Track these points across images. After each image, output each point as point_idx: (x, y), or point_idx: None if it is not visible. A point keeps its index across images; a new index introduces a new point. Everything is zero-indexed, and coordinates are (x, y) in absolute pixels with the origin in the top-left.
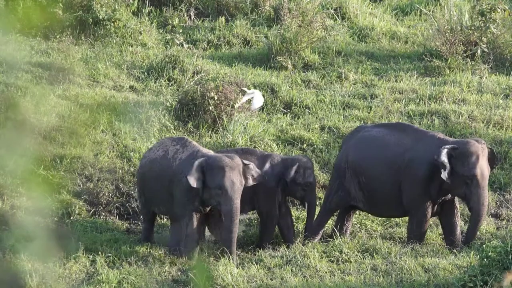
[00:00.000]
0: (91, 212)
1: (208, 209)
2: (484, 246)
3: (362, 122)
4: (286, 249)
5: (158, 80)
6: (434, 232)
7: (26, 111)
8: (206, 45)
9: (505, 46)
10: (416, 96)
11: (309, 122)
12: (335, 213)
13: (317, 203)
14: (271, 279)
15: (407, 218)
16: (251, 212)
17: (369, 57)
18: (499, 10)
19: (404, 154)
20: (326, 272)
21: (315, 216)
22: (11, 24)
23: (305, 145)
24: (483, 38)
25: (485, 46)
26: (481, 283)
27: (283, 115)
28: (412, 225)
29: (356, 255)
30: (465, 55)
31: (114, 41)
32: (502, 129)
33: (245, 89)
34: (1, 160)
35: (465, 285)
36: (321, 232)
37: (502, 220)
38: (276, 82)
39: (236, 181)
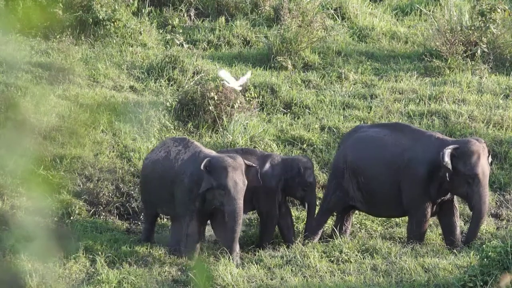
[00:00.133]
0: (91, 212)
1: (209, 209)
2: (484, 246)
3: (362, 122)
4: (286, 249)
5: (158, 80)
6: (434, 232)
7: (26, 111)
8: (206, 45)
9: (505, 46)
10: (416, 96)
11: (309, 122)
12: (334, 213)
13: (317, 203)
14: (271, 279)
15: (407, 218)
16: (251, 212)
17: (369, 57)
18: (499, 10)
19: (403, 154)
20: (326, 272)
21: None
22: (11, 24)
23: (305, 145)
24: (483, 38)
25: (485, 46)
26: (481, 283)
27: (283, 115)
28: (411, 225)
29: (356, 255)
30: (465, 55)
31: (114, 41)
32: (502, 129)
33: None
34: (1, 160)
35: (465, 285)
36: (320, 232)
37: (502, 220)
38: (276, 82)
39: (239, 181)
